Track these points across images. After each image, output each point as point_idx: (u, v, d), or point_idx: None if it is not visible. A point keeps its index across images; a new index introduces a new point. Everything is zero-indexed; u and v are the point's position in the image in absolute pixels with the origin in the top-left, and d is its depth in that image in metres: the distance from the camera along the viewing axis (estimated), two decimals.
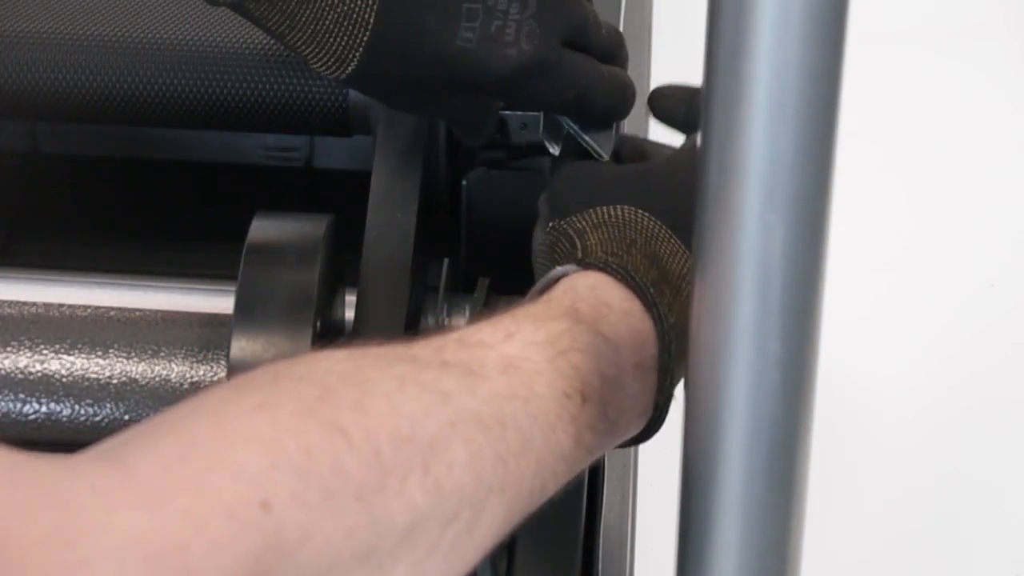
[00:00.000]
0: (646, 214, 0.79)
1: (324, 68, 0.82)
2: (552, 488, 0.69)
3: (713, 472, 0.62)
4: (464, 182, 0.97)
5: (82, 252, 1.12)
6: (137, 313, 0.89)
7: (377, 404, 0.62)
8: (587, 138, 0.87)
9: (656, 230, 0.79)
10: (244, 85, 1.01)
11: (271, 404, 0.60)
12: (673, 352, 0.74)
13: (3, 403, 0.86)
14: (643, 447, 1.06)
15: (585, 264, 0.77)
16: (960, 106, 1.77)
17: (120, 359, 0.88)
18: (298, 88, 1.01)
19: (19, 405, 0.86)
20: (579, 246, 0.79)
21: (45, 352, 0.87)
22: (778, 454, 0.61)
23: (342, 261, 0.90)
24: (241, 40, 1.01)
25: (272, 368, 0.63)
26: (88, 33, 1.02)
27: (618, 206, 0.80)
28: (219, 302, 0.89)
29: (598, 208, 0.80)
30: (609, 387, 0.71)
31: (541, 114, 0.88)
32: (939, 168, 1.72)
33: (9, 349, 0.87)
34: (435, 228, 0.97)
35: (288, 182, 1.16)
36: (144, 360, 0.88)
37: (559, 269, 0.77)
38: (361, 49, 0.81)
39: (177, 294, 0.91)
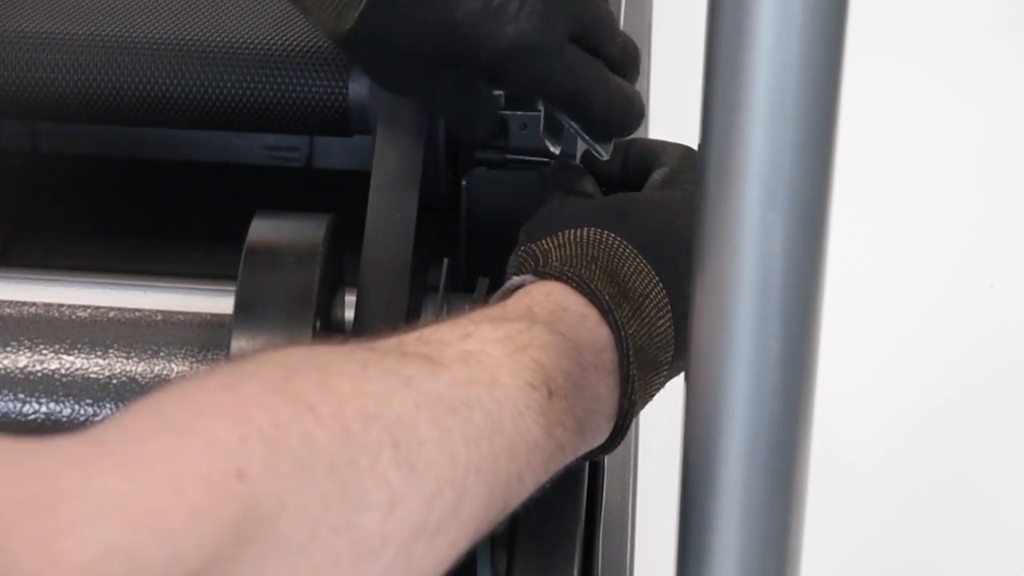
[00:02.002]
0: (611, 235, 0.80)
1: (322, 24, 0.81)
2: (530, 479, 0.70)
3: (713, 472, 0.62)
4: (464, 182, 0.97)
5: (82, 252, 1.12)
6: (137, 313, 0.89)
7: (341, 384, 0.63)
8: (588, 137, 0.87)
9: (621, 249, 0.79)
10: (244, 85, 1.01)
11: (236, 384, 0.60)
12: (632, 360, 0.75)
13: (3, 403, 0.86)
14: (643, 447, 1.06)
15: (541, 274, 0.78)
16: (959, 106, 1.77)
17: (120, 359, 0.88)
18: (298, 88, 1.01)
19: (19, 405, 0.86)
20: (541, 262, 0.80)
21: (45, 352, 0.87)
22: (778, 454, 0.61)
23: (342, 261, 0.90)
24: (241, 40, 1.01)
25: (234, 361, 0.64)
26: (88, 33, 1.01)
27: (584, 228, 0.80)
28: (219, 302, 0.89)
29: (566, 231, 0.81)
30: (573, 384, 0.72)
31: (541, 114, 0.88)
32: (938, 168, 1.72)
33: (9, 349, 0.87)
34: (435, 228, 0.97)
35: (288, 182, 1.16)
36: (144, 360, 0.88)
37: (516, 279, 0.79)
38: (363, 5, 0.80)
39: (177, 294, 0.91)
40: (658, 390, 0.80)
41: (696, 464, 0.63)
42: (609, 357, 0.75)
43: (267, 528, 0.56)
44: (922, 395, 1.53)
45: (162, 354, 0.88)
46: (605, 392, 0.74)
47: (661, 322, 0.78)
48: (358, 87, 1.00)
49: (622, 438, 0.76)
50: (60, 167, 1.16)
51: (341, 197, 0.94)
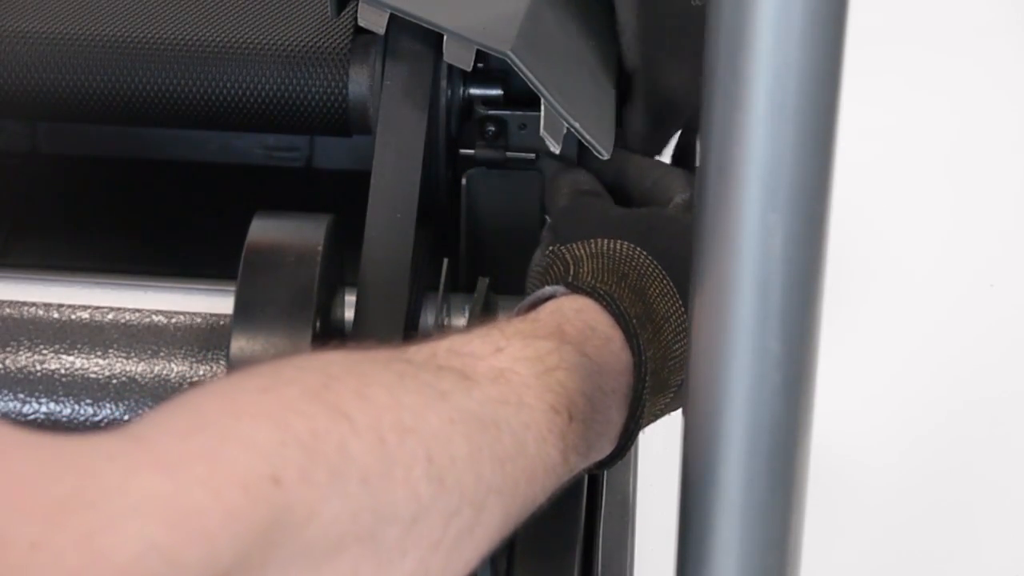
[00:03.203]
0: (644, 253, 0.80)
1: None
2: (540, 500, 0.70)
3: (713, 472, 0.62)
4: (463, 181, 0.97)
5: (82, 252, 1.12)
6: (137, 313, 0.89)
7: (379, 394, 0.63)
8: (588, 136, 0.88)
9: (650, 269, 0.80)
10: (244, 85, 1.01)
11: (276, 388, 0.61)
12: (647, 384, 0.75)
13: (3, 403, 0.86)
14: (643, 447, 1.06)
15: (573, 287, 0.78)
16: (961, 105, 1.77)
17: (120, 359, 0.88)
18: (298, 88, 1.01)
19: (19, 405, 0.86)
20: (572, 272, 0.80)
21: (45, 352, 0.87)
22: (778, 454, 0.61)
23: (342, 261, 0.90)
24: (241, 40, 1.01)
25: (273, 363, 0.64)
26: (88, 33, 1.01)
27: (618, 241, 0.81)
28: (219, 302, 0.89)
29: (598, 240, 0.81)
30: (592, 408, 0.73)
31: (542, 113, 0.88)
32: (938, 167, 1.72)
33: (9, 349, 0.87)
34: (435, 228, 0.97)
35: (288, 182, 1.16)
36: (144, 360, 0.88)
37: (548, 289, 0.79)
38: None
39: (177, 294, 0.91)
40: (663, 412, 0.80)
41: (696, 464, 0.62)
42: (626, 380, 0.75)
43: (296, 535, 0.57)
44: (923, 395, 1.53)
45: (162, 354, 0.88)
46: (616, 415, 0.75)
47: (677, 346, 0.79)
48: (358, 87, 1.00)
49: (622, 458, 0.76)
50: (60, 167, 1.16)
51: (341, 197, 0.94)
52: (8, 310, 0.89)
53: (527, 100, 0.93)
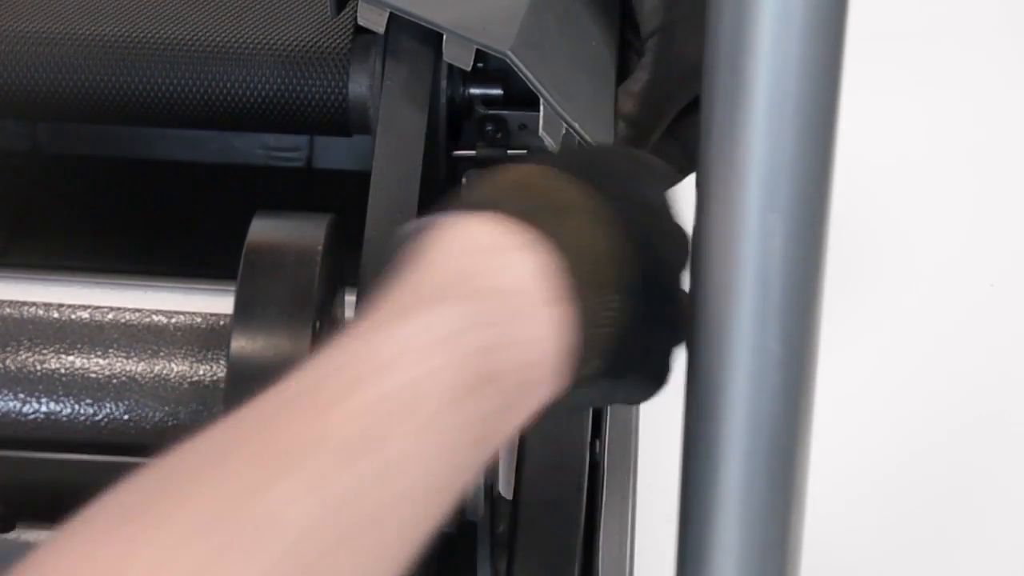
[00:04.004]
0: (527, 164, 0.67)
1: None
2: (461, 484, 0.59)
3: (713, 472, 0.62)
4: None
5: (82, 252, 1.12)
6: (137, 313, 0.89)
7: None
8: (587, 137, 0.88)
9: (532, 169, 0.66)
10: (244, 85, 1.01)
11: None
12: (573, 275, 0.61)
13: (3, 403, 0.86)
14: (643, 447, 1.06)
15: (444, 215, 0.64)
16: (963, 105, 1.77)
17: (120, 359, 0.88)
18: (298, 88, 1.01)
19: (19, 405, 0.86)
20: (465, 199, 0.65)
21: (45, 352, 0.87)
22: (778, 454, 0.61)
23: (342, 261, 0.90)
24: (241, 40, 1.01)
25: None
26: (88, 33, 1.02)
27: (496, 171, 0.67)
28: (219, 302, 0.89)
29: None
30: (507, 353, 0.59)
31: (541, 113, 0.88)
32: (940, 166, 1.72)
33: (9, 349, 0.87)
34: None
35: (288, 182, 1.16)
36: (144, 360, 0.88)
37: (411, 225, 0.66)
38: None
39: (177, 294, 0.91)
40: (609, 314, 0.61)
41: (696, 464, 0.63)
42: (540, 293, 0.60)
43: None
44: (919, 397, 1.53)
45: (162, 354, 0.88)
46: (546, 330, 0.60)
47: (590, 232, 0.63)
48: (358, 87, 1.00)
49: (594, 384, 0.62)
50: (60, 167, 1.16)
51: (341, 197, 0.94)
52: (8, 310, 0.89)
53: (527, 100, 0.93)
